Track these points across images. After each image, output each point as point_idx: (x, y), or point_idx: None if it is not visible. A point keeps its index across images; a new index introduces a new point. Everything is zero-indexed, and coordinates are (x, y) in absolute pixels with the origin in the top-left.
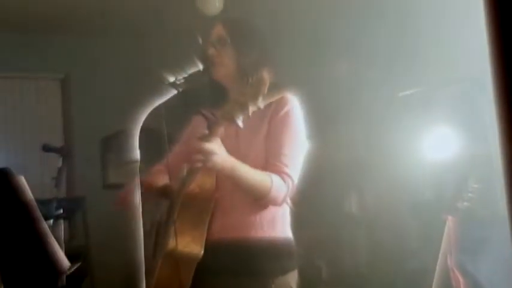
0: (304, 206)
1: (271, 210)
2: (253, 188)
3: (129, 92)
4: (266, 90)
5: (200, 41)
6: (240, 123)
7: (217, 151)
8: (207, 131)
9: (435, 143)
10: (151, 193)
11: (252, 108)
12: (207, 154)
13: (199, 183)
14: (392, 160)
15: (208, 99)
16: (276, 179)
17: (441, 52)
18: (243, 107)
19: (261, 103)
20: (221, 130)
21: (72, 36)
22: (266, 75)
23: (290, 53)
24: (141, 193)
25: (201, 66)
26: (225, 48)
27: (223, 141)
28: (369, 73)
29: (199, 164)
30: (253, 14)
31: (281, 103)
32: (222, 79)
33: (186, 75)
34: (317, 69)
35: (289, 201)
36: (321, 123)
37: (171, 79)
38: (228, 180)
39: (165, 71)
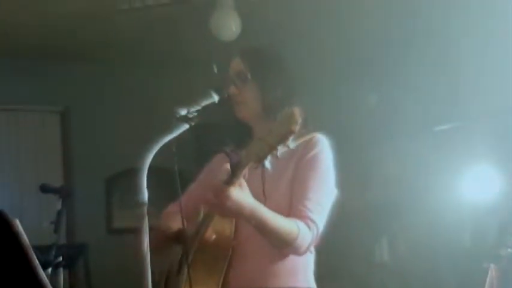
0: (330, 253)
1: (293, 258)
2: (277, 236)
3: (136, 127)
4: (297, 129)
5: (215, 70)
6: (267, 165)
7: (235, 197)
8: (228, 171)
9: (475, 183)
10: (164, 239)
11: (281, 149)
12: (222, 202)
13: (217, 229)
14: (428, 202)
15: (229, 137)
16: (302, 226)
17: (481, 82)
18: (272, 148)
19: (291, 143)
20: (245, 171)
21: (73, 65)
22: (297, 113)
23: (318, 85)
24: (150, 239)
25: (216, 98)
26: (246, 85)
27: (247, 181)
28: (402, 106)
29: (214, 211)
30: (275, 41)
31: (310, 144)
32: (246, 117)
33: (199, 108)
34: (347, 102)
35: (312, 248)
36: (350, 160)
37: (183, 112)
38: (247, 225)
39: (175, 103)
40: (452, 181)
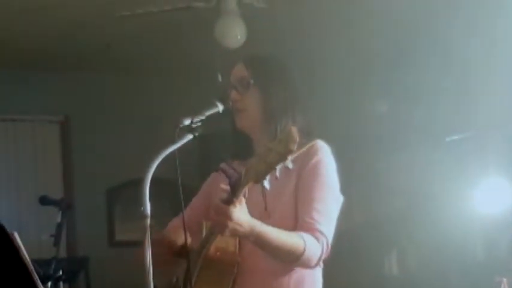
0: (338, 267)
1: (300, 272)
2: (281, 252)
3: (138, 136)
4: (295, 148)
5: (220, 78)
6: (266, 184)
7: (235, 216)
8: (228, 191)
9: (487, 195)
10: (167, 254)
11: (279, 169)
12: (223, 221)
13: (221, 245)
14: (439, 214)
15: (230, 150)
16: (309, 239)
17: (493, 91)
18: (270, 167)
19: (290, 163)
20: (244, 191)
21: (73, 74)
22: (295, 131)
23: (325, 93)
24: (154, 254)
25: (220, 107)
26: (248, 91)
27: (247, 199)
28: (412, 115)
29: (216, 230)
30: (281, 48)
31: (310, 152)
32: (246, 126)
33: (203, 118)
34: (354, 112)
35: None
36: (358, 171)
37: (186, 122)
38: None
39: (179, 112)
40: (463, 193)
